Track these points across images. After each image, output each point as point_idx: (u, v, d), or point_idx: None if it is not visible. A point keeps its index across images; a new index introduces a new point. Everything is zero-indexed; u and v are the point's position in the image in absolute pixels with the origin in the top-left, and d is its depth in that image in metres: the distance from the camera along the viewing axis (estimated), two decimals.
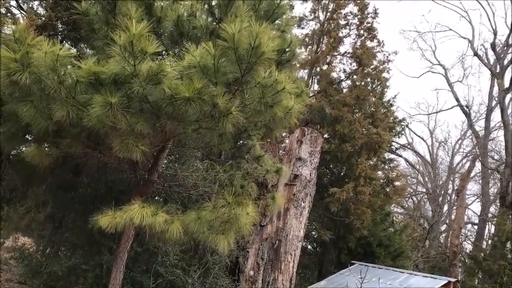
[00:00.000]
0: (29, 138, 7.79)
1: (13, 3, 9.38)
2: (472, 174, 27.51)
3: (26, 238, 14.08)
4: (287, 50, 7.23)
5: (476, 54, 27.83)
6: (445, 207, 31.10)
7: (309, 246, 21.83)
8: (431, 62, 30.39)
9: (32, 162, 7.29)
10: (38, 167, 7.40)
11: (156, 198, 9.61)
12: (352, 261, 15.58)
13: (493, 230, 26.43)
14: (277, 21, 7.92)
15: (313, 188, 14.34)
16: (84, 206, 9.17)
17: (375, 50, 17.17)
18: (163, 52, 7.44)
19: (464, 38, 28.86)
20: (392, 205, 24.21)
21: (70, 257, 9.52)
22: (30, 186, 9.97)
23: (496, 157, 27.98)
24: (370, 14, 17.34)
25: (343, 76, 17.89)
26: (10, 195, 10.94)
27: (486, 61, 27.69)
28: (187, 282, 9.56)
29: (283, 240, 13.14)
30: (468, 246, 28.30)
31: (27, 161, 7.62)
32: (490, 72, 27.10)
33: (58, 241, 10.00)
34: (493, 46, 26.05)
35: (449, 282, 12.76)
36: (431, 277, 13.19)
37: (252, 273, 12.72)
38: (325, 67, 17.49)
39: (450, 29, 38.85)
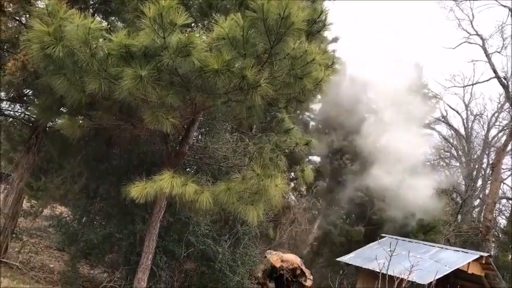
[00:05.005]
0: (64, 111, 7.98)
1: None
2: (509, 148, 26.64)
3: (63, 207, 14.59)
4: (317, 20, 7.07)
5: None
6: (479, 182, 30.38)
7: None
8: (468, 32, 28.93)
9: (66, 134, 7.48)
10: (72, 139, 7.60)
11: (187, 170, 9.73)
12: (382, 234, 15.53)
13: None
14: None
15: None
16: (117, 177, 9.35)
17: None
18: (193, 24, 7.42)
19: (505, 6, 27.39)
20: None
21: (105, 226, 9.78)
22: (65, 158, 10.26)
23: None
24: None
25: None
26: (47, 166, 11.32)
27: None
28: (218, 252, 9.74)
29: None
30: (502, 221, 27.73)
31: (62, 133, 7.82)
32: None
33: (93, 211, 10.28)
34: None
35: (481, 256, 12.62)
36: (462, 251, 13.06)
37: None
38: None
39: None
